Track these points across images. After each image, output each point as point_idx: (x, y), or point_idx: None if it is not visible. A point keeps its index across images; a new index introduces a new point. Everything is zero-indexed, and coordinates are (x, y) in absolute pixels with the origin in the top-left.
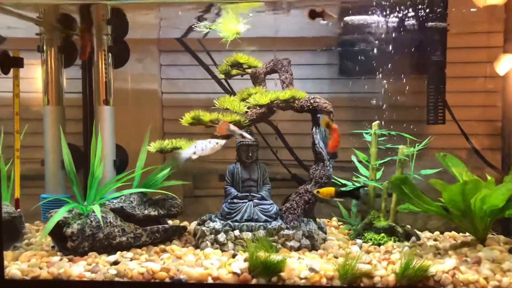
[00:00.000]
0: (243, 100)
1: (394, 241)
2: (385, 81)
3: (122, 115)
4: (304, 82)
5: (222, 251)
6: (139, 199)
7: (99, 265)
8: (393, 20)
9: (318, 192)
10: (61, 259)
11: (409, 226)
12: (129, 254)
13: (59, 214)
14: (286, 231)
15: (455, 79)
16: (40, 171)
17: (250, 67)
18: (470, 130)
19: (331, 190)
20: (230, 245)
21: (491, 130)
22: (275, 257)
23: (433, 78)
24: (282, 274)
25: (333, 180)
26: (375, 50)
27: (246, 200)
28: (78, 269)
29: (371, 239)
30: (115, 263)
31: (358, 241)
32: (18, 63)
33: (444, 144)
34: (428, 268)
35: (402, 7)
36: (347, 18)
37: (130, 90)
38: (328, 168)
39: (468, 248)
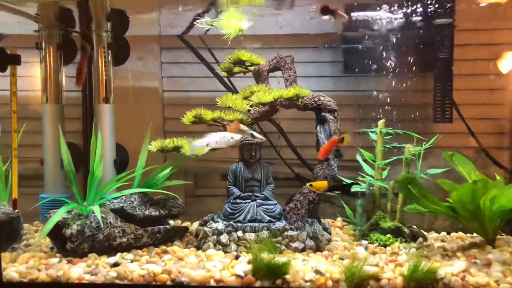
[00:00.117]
0: (246, 98)
1: (401, 242)
2: (390, 79)
3: (123, 114)
4: (308, 80)
5: (225, 252)
6: (140, 199)
7: (99, 267)
8: (398, 16)
9: (311, 185)
10: (60, 261)
11: (415, 227)
12: (130, 256)
13: (58, 215)
14: (290, 232)
15: (462, 76)
16: (40, 171)
17: (252, 64)
18: (478, 129)
19: (323, 183)
20: (233, 246)
21: (499, 129)
22: (280, 259)
23: (440, 75)
24: (287, 276)
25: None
26: (380, 47)
27: (249, 200)
28: (77, 271)
29: (376, 240)
30: (116, 264)
31: (364, 242)
32: (15, 60)
33: (451, 143)
34: (437, 270)
35: (408, 3)
36: (353, 14)
37: (131, 88)
38: (333, 167)
39: (477, 249)
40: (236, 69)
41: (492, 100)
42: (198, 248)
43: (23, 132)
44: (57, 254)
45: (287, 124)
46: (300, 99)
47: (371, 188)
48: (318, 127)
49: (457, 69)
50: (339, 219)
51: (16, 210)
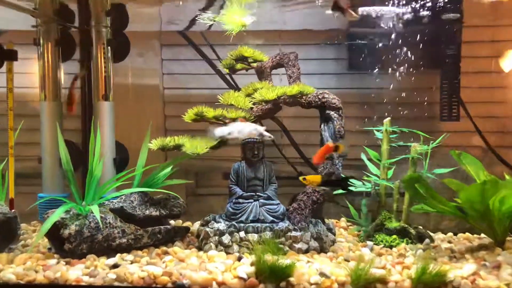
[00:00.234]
0: (248, 95)
1: (407, 243)
2: (395, 76)
3: (122, 111)
4: (311, 77)
5: (227, 253)
6: (140, 198)
7: (98, 269)
8: (404, 11)
9: (304, 179)
10: (58, 262)
11: (421, 227)
12: (130, 257)
13: (56, 215)
14: (293, 233)
15: (469, 74)
16: (38, 169)
17: (255, 61)
18: (485, 127)
19: (317, 177)
20: (235, 247)
21: (504, 127)
22: (284, 261)
23: (447, 73)
24: (291, 279)
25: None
26: (384, 44)
27: (252, 200)
28: (75, 272)
29: (382, 241)
30: (115, 266)
31: (369, 243)
32: (12, 56)
33: (457, 142)
34: (446, 273)
35: None
36: (359, 9)
37: (131, 85)
38: (338, 166)
39: (486, 251)
40: (239, 65)
41: (497, 98)
42: (200, 249)
43: (20, 130)
44: (55, 255)
45: (290, 122)
46: (304, 97)
47: (376, 188)
48: (322, 126)
49: (465, 66)
50: (343, 219)
51: (13, 210)
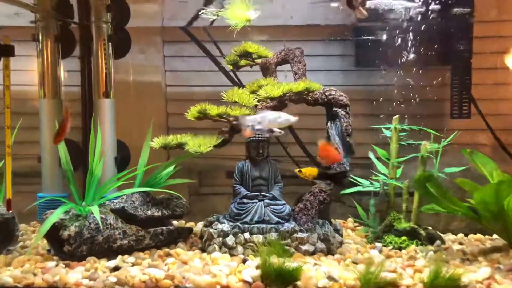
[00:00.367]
0: (253, 92)
1: (417, 245)
2: (403, 73)
3: (124, 109)
4: (317, 74)
5: (231, 255)
6: (141, 199)
7: (98, 271)
8: (412, 5)
9: (300, 171)
10: (57, 265)
11: (431, 228)
12: (131, 259)
13: (55, 216)
14: (299, 234)
15: (481, 70)
16: (37, 168)
17: (260, 57)
18: (496, 125)
19: (314, 170)
20: (240, 248)
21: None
22: (290, 263)
23: (458, 69)
24: (298, 283)
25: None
26: (392, 39)
27: (257, 200)
28: (75, 276)
29: (391, 243)
30: (116, 268)
31: (378, 244)
32: (8, 51)
33: (468, 140)
34: (460, 277)
35: None
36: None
37: (132, 82)
38: (345, 165)
39: (500, 253)
40: (243, 62)
41: (509, 95)
42: (203, 250)
43: (19, 128)
44: (54, 257)
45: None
46: (310, 94)
47: (385, 187)
48: (328, 123)
49: (476, 62)
50: (350, 219)
51: (11, 211)
